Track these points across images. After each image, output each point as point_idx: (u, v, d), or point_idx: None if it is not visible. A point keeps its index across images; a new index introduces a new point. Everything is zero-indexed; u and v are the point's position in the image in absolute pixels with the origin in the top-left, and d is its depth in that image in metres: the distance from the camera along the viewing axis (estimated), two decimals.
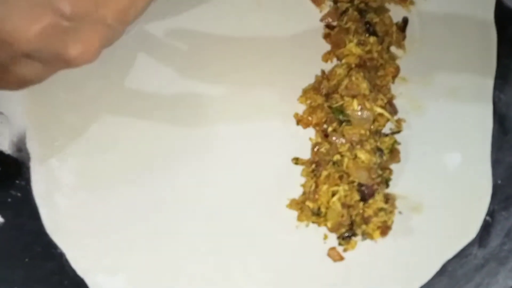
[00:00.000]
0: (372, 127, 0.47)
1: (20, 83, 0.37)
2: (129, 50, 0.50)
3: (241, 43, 0.52)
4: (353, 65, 0.49)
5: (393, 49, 0.51)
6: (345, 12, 0.51)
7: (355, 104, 0.46)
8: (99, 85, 0.50)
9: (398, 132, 0.49)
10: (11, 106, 0.51)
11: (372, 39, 0.49)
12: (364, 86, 0.47)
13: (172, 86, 0.51)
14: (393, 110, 0.49)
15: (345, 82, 0.47)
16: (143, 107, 0.50)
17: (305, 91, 0.50)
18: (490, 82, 0.50)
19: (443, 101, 0.50)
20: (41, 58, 0.35)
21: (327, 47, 0.51)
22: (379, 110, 0.47)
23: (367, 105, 0.46)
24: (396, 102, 0.49)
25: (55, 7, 0.32)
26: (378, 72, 0.49)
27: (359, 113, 0.47)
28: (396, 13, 0.51)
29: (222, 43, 0.52)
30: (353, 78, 0.47)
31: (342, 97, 0.47)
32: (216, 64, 0.51)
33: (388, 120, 0.48)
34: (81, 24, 0.33)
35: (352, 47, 0.49)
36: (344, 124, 0.47)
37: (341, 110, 0.47)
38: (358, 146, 0.46)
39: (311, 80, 0.50)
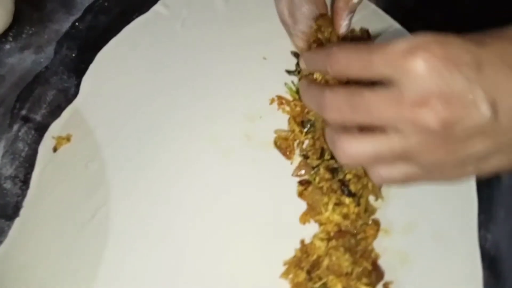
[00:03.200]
0: None
1: None
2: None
3: None
4: (331, 233, 0.47)
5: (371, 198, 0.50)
6: (316, 167, 0.50)
7: (339, 286, 0.45)
8: None
9: None
10: None
11: (348, 200, 0.48)
12: (345, 264, 0.45)
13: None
14: (379, 275, 0.47)
15: (326, 262, 0.46)
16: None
17: (287, 267, 0.48)
18: (473, 221, 0.49)
19: (429, 249, 0.48)
20: None
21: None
22: None
23: (351, 284, 0.45)
24: (382, 260, 0.48)
25: None
26: (358, 235, 0.48)
27: None
28: None
29: None
30: (334, 258, 0.46)
31: (325, 274, 0.46)
32: None
33: None
34: None
35: (329, 215, 0.48)
36: None
37: None
38: None
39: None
